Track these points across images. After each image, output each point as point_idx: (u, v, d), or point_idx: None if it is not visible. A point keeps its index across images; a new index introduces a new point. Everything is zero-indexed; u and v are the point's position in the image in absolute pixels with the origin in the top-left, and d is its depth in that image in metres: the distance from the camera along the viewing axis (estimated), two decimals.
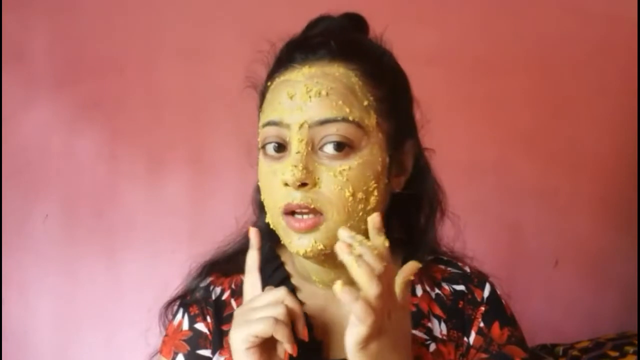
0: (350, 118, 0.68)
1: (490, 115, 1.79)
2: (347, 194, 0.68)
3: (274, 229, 0.74)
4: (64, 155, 1.59)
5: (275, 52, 0.77)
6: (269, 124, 0.70)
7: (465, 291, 0.80)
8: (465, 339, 0.77)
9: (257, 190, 0.83)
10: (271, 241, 0.83)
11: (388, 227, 0.77)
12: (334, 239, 0.67)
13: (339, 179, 0.68)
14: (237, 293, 0.80)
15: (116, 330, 1.61)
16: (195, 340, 0.78)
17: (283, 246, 0.83)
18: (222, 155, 1.61)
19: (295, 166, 0.66)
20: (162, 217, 1.62)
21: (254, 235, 0.72)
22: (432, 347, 0.75)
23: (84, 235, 1.60)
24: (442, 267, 0.83)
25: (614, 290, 1.93)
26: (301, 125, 0.68)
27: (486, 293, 0.80)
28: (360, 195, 0.69)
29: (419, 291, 0.79)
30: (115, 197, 1.61)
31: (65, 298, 1.59)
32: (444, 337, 0.76)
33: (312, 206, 0.67)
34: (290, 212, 0.69)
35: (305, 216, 0.68)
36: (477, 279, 0.82)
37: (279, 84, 0.72)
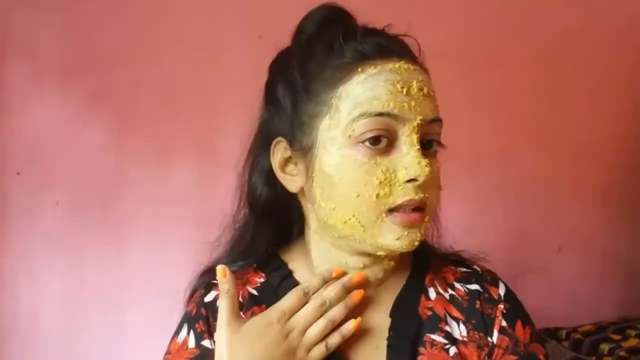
0: (442, 117, 0.71)
1: (496, 107, 1.79)
2: (439, 189, 0.71)
3: (355, 228, 0.69)
4: (74, 145, 1.59)
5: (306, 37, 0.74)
6: (380, 114, 0.66)
7: (481, 290, 0.78)
8: (489, 338, 0.75)
9: (264, 187, 0.80)
10: (269, 243, 0.82)
11: None
12: (426, 230, 0.71)
13: (436, 175, 0.70)
14: (246, 306, 0.77)
15: (124, 315, 1.63)
16: (202, 358, 0.73)
17: (288, 252, 0.82)
18: (230, 145, 1.60)
19: (427, 162, 0.66)
20: (171, 205, 1.63)
21: (223, 275, 0.70)
22: (453, 350, 0.73)
23: (93, 222, 1.61)
24: (452, 267, 0.82)
25: (616, 276, 1.94)
26: (421, 122, 0.68)
27: (502, 290, 0.79)
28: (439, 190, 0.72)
29: (432, 294, 0.78)
30: (124, 186, 1.62)
31: (75, 283, 1.61)
32: (465, 339, 0.74)
33: (427, 201, 0.68)
34: (393, 210, 0.68)
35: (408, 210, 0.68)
36: (490, 277, 0.81)
37: (379, 72, 0.68)
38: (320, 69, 0.70)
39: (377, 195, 0.66)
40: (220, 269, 0.71)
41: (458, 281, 0.80)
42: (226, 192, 1.60)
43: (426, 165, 0.66)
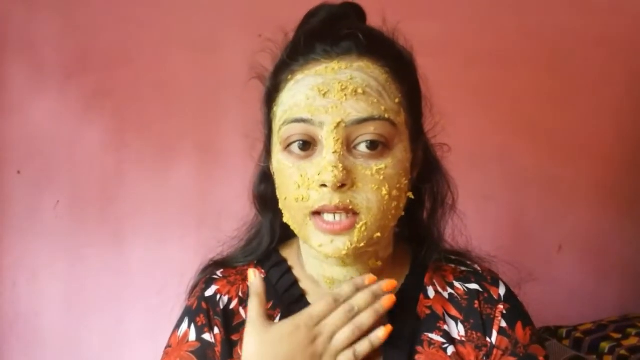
0: (386, 116, 0.67)
1: (493, 104, 1.80)
2: (384, 192, 0.67)
3: (295, 230, 0.72)
4: (74, 144, 1.60)
5: (285, 41, 0.75)
6: (296, 121, 0.67)
7: (480, 290, 0.78)
8: (488, 339, 0.74)
9: (259, 185, 0.83)
10: (274, 241, 0.83)
11: (398, 224, 0.78)
12: (371, 235, 0.68)
13: (376, 178, 0.67)
14: (246, 302, 0.75)
15: (124, 314, 1.63)
16: (203, 351, 0.74)
17: (288, 248, 0.83)
18: (229, 144, 1.62)
19: (336, 167, 0.64)
20: (171, 203, 1.64)
21: (255, 279, 0.71)
22: (451, 349, 0.72)
23: (93, 221, 1.61)
24: (452, 266, 0.81)
25: (617, 274, 1.95)
26: (337, 125, 0.66)
27: (502, 291, 0.78)
28: (394, 192, 0.68)
29: (431, 293, 0.77)
30: (125, 185, 1.62)
31: (75, 282, 1.61)
32: (463, 339, 0.74)
33: (351, 207, 0.66)
34: (317, 212, 0.67)
35: (337, 217, 0.67)
36: (490, 276, 0.80)
37: (304, 78, 0.69)
38: (276, 77, 0.73)
39: (297, 199, 0.68)
40: (251, 272, 0.72)
41: (458, 280, 0.79)
42: (225, 189, 1.61)
43: (332, 170, 0.64)
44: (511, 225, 1.84)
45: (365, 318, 0.68)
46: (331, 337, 0.67)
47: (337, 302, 0.69)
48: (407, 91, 0.72)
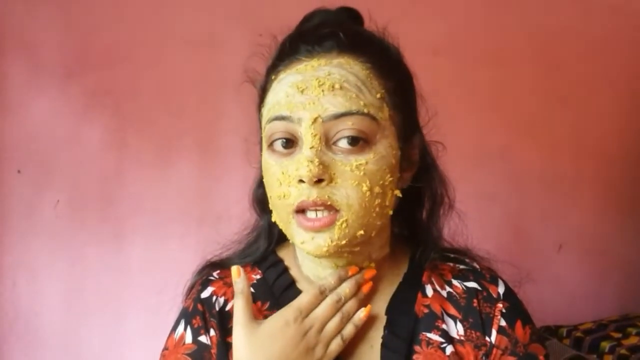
0: (365, 111, 0.66)
1: (495, 104, 1.80)
2: (365, 188, 0.66)
3: (281, 228, 0.71)
4: (74, 143, 1.60)
5: (276, 45, 0.74)
6: (277, 118, 0.67)
7: (479, 288, 0.76)
8: (487, 338, 0.73)
9: (258, 189, 0.82)
10: (272, 243, 0.82)
11: (393, 223, 0.78)
12: (353, 233, 0.67)
13: (356, 174, 0.65)
14: None
15: (124, 313, 1.63)
16: (200, 353, 0.73)
17: (285, 248, 0.82)
18: (229, 143, 1.62)
19: (311, 161, 0.64)
20: (171, 202, 1.64)
21: (238, 275, 0.70)
22: (449, 349, 0.71)
23: (93, 220, 1.61)
24: (451, 264, 0.80)
25: (617, 273, 1.95)
26: (315, 120, 0.65)
27: (501, 289, 0.77)
28: (377, 189, 0.67)
29: (429, 291, 0.76)
30: (125, 183, 1.62)
31: (75, 281, 1.61)
32: (462, 338, 0.73)
33: (329, 202, 0.65)
34: (301, 210, 0.67)
35: (319, 214, 0.66)
36: (489, 274, 0.79)
37: (285, 77, 0.69)
38: (264, 80, 0.74)
39: (279, 197, 0.68)
40: (235, 269, 0.71)
41: (456, 278, 0.78)
42: (225, 188, 1.60)
43: (308, 165, 0.64)
44: (511, 225, 1.84)
45: (351, 306, 0.72)
46: (321, 329, 0.69)
47: (322, 294, 0.71)
48: (394, 87, 0.71)
